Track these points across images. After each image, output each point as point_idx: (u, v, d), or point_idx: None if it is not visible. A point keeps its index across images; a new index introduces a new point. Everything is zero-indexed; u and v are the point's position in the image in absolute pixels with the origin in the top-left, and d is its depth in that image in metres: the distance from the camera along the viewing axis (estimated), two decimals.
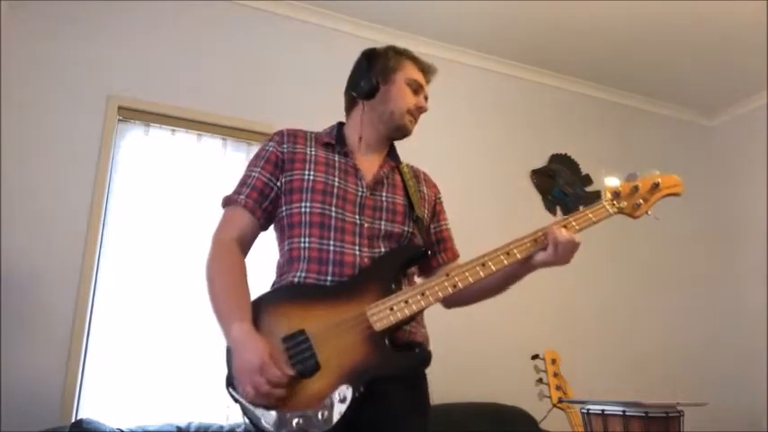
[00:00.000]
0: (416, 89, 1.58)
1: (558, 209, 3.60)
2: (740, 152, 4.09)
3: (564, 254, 1.40)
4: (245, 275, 1.43)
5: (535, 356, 2.29)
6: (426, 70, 1.62)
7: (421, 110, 1.59)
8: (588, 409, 1.93)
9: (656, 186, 1.53)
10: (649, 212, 1.54)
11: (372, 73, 1.56)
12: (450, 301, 1.52)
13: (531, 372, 2.26)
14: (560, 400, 2.19)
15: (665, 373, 3.53)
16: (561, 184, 3.65)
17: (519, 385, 2.52)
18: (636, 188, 1.52)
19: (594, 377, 2.89)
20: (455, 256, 1.65)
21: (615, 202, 1.51)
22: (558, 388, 2.22)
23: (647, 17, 3.23)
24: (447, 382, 1.93)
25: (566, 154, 3.75)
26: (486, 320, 3.08)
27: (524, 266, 1.46)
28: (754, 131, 3.99)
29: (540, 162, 3.68)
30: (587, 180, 3.74)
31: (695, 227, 4.02)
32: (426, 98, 1.62)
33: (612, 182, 1.53)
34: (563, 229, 1.41)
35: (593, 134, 3.90)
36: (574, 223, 1.46)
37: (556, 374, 2.25)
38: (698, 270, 3.96)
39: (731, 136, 4.19)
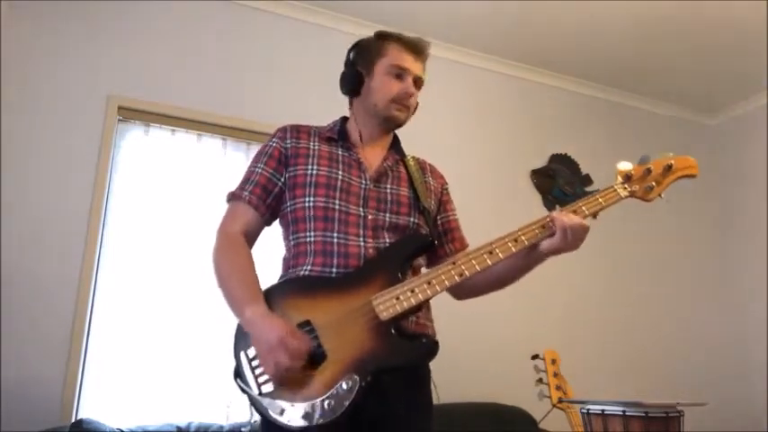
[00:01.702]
0: (399, 74, 1.51)
1: (558, 208, 3.59)
2: (740, 152, 4.09)
3: (573, 240, 1.37)
4: (252, 264, 1.44)
5: (535, 356, 2.29)
6: (415, 50, 1.53)
7: (406, 95, 1.51)
8: (588, 409, 1.92)
9: (669, 168, 1.48)
10: (662, 195, 1.49)
11: (357, 67, 1.54)
12: (460, 292, 1.52)
13: (531, 372, 2.26)
14: (560, 400, 2.19)
15: (665, 372, 3.53)
16: (561, 184, 3.65)
17: (519, 385, 2.51)
18: (648, 171, 1.47)
19: (594, 377, 2.89)
20: (464, 245, 1.64)
21: (627, 186, 1.47)
22: (558, 388, 2.22)
23: (647, 17, 3.23)
24: (447, 382, 1.92)
25: (565, 154, 3.75)
26: (486, 320, 3.08)
27: (533, 255, 1.43)
28: (755, 131, 3.99)
29: (540, 162, 3.68)
30: (587, 180, 3.73)
31: (695, 226, 4.02)
32: (420, 79, 1.55)
33: (625, 165, 1.48)
34: (570, 214, 1.39)
35: (593, 134, 3.90)
36: (584, 208, 1.43)
37: (556, 374, 2.25)
38: (698, 269, 3.96)
39: (732, 135, 4.19)
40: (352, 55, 1.58)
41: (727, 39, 3.40)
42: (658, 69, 3.77)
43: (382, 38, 1.56)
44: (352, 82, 1.53)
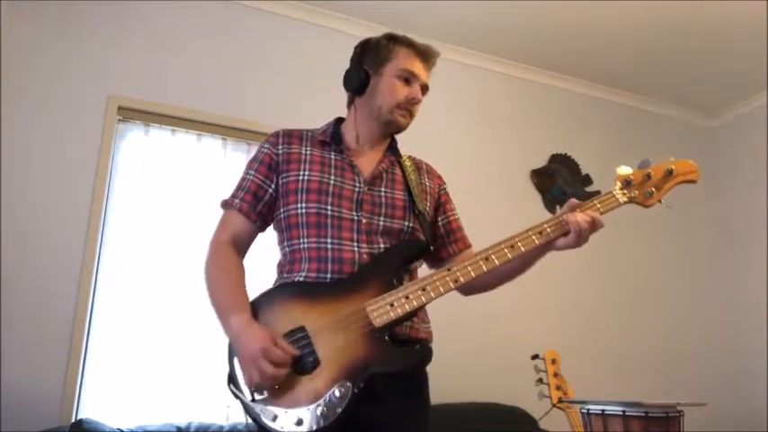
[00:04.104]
0: (408, 79, 1.50)
1: (558, 208, 3.59)
2: (740, 152, 4.09)
3: (585, 238, 1.39)
4: (242, 274, 1.44)
5: (535, 356, 2.29)
6: (425, 56, 1.53)
7: (413, 102, 1.50)
8: (588, 409, 1.93)
9: (669, 173, 1.46)
10: (662, 201, 1.47)
11: (364, 66, 1.52)
12: (468, 289, 1.49)
13: (531, 372, 2.26)
14: (560, 400, 2.18)
15: (665, 372, 3.53)
16: (560, 184, 3.65)
17: (519, 385, 2.51)
18: (648, 176, 1.45)
19: (594, 377, 2.89)
20: (466, 245, 1.62)
21: (626, 192, 1.45)
22: (558, 388, 2.22)
23: (647, 17, 3.23)
24: (447, 382, 1.92)
25: (566, 154, 3.75)
26: (487, 320, 3.08)
27: (544, 249, 1.43)
28: (755, 131, 3.99)
29: (541, 162, 3.68)
30: (587, 180, 3.74)
31: (695, 227, 4.02)
32: (426, 87, 1.54)
33: (624, 170, 1.46)
34: (582, 215, 1.38)
35: (594, 134, 3.90)
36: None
37: (556, 374, 2.25)
38: (698, 270, 3.96)
39: (731, 136, 4.19)
40: (359, 52, 1.56)
41: (727, 40, 3.40)
42: (659, 71, 3.77)
43: (393, 40, 1.53)
44: (359, 80, 1.51)
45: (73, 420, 2.22)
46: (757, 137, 3.96)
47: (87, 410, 2.35)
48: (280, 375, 1.23)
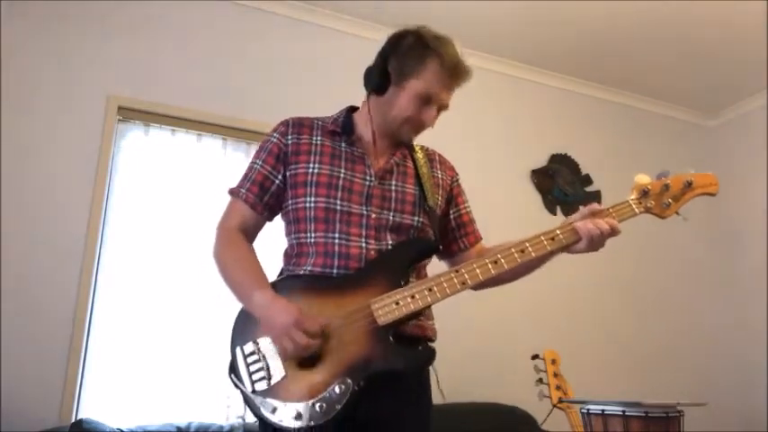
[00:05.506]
0: (428, 101, 1.43)
1: (559, 209, 3.59)
2: (740, 152, 4.09)
3: (599, 244, 1.38)
4: (254, 254, 1.44)
5: (535, 356, 2.29)
6: (453, 79, 1.43)
7: (425, 126, 1.46)
8: (588, 409, 1.93)
9: (688, 185, 1.44)
10: (679, 212, 1.45)
11: (389, 67, 1.44)
12: (478, 284, 1.46)
13: (531, 372, 2.26)
14: (560, 401, 2.19)
15: (665, 373, 3.53)
16: (561, 184, 3.65)
17: (519, 385, 2.52)
18: (666, 187, 1.43)
19: (594, 377, 2.89)
20: (477, 239, 1.60)
21: (642, 201, 1.43)
22: (558, 388, 2.22)
23: (647, 17, 3.23)
24: (447, 382, 1.92)
25: (566, 154, 3.75)
26: (487, 320, 3.08)
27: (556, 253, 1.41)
28: (754, 131, 3.99)
29: (541, 162, 3.68)
30: (587, 180, 3.73)
31: (695, 227, 4.01)
32: (445, 105, 1.46)
33: (643, 179, 1.43)
34: (593, 225, 1.35)
35: (594, 134, 3.90)
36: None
37: (556, 374, 2.25)
38: (698, 270, 3.96)
39: (731, 136, 4.19)
40: (387, 50, 1.46)
41: (726, 39, 3.40)
42: (658, 70, 3.77)
43: (427, 48, 1.41)
44: (379, 84, 1.44)
45: (73, 420, 2.21)
46: (757, 137, 3.95)
47: (87, 410, 2.35)
48: (312, 345, 1.23)
